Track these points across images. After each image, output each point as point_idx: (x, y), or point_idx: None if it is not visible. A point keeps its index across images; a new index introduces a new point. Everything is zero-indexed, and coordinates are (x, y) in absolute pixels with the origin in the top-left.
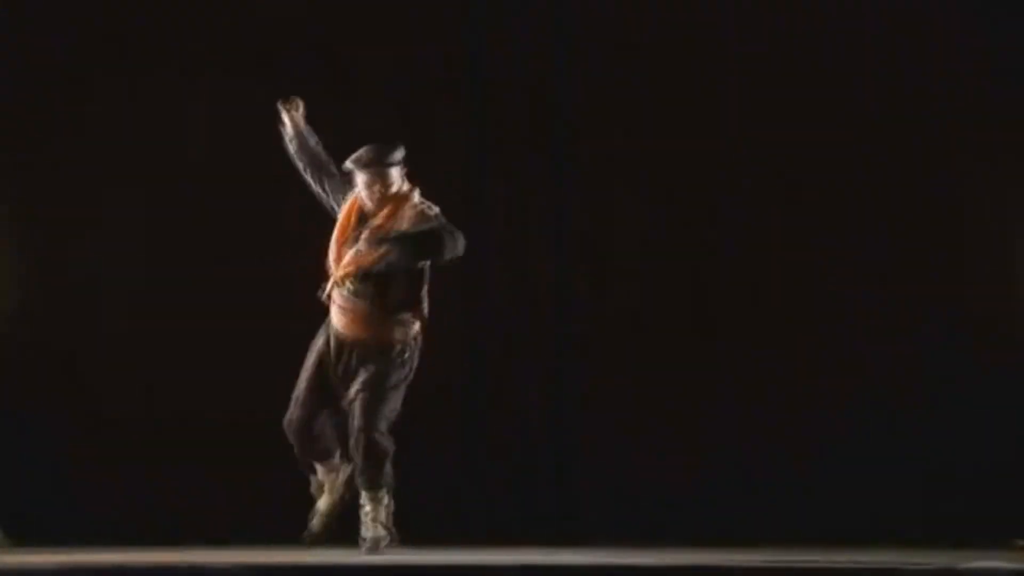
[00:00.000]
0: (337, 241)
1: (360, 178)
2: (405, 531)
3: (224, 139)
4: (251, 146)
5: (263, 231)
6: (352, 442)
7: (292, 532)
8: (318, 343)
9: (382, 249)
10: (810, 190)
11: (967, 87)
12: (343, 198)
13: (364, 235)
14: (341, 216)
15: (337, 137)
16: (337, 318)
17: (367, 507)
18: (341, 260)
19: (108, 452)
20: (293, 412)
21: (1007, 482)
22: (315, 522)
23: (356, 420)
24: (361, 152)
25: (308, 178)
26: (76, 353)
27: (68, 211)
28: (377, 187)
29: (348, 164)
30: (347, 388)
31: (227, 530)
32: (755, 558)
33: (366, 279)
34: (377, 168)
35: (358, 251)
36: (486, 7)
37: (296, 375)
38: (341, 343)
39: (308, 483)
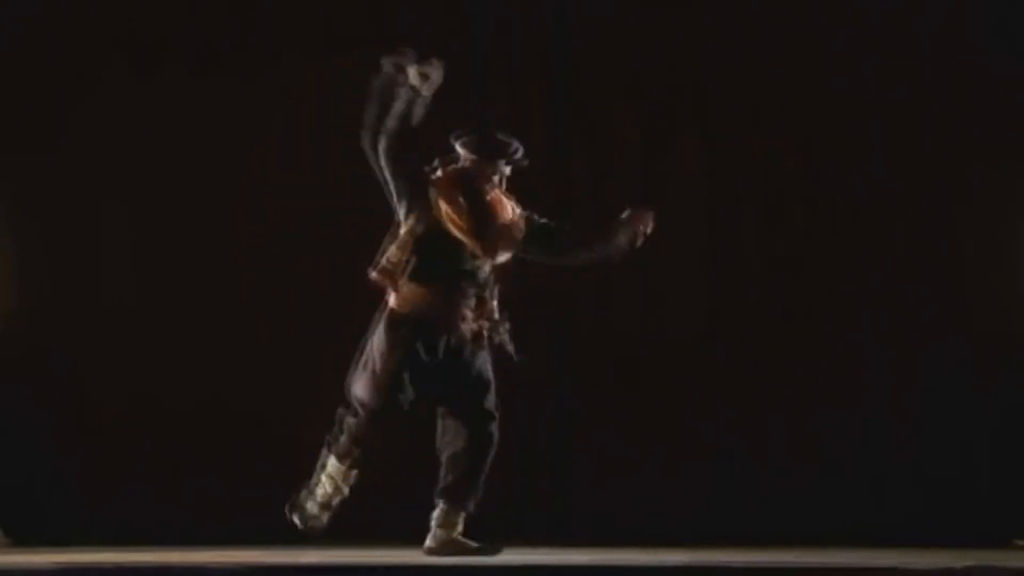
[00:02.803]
0: None
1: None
2: (405, 531)
3: (224, 139)
4: (250, 146)
5: (263, 229)
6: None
7: (293, 532)
8: None
9: None
10: (809, 183)
11: (968, 88)
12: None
13: None
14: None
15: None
16: None
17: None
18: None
19: (108, 452)
20: None
21: (1007, 482)
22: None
23: None
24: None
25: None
26: (76, 353)
27: (68, 210)
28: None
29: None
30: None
31: (227, 530)
32: (755, 558)
33: None
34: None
35: None
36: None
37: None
38: None
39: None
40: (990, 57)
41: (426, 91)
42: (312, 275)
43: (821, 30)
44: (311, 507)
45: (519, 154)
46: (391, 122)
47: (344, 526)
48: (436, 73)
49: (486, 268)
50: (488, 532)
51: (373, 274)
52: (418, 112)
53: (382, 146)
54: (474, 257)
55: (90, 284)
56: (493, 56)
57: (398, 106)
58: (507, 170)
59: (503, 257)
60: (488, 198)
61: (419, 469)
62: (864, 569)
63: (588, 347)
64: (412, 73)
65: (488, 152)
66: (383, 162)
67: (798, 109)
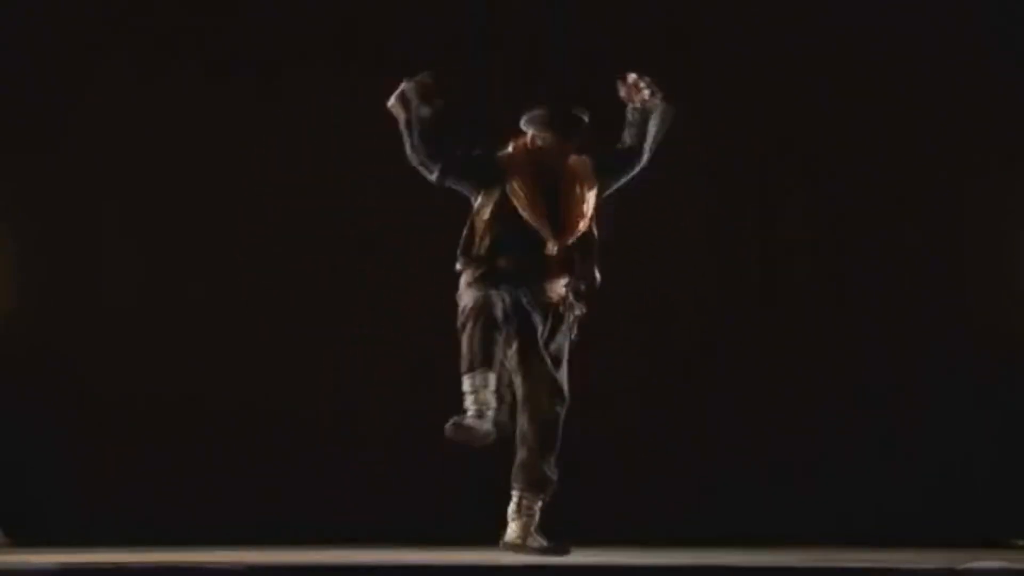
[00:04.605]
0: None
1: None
2: (407, 531)
3: (223, 140)
4: (248, 147)
5: (263, 229)
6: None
7: (292, 532)
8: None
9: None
10: (811, 184)
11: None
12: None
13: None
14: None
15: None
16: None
17: None
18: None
19: (108, 452)
20: None
21: (1007, 482)
22: None
23: None
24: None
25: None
26: (76, 353)
27: (67, 209)
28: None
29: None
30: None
31: (227, 530)
32: (755, 558)
33: None
34: None
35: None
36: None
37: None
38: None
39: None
40: (993, 57)
41: (431, 101)
42: (312, 275)
43: (825, 30)
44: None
45: (580, 121)
46: (419, 139)
47: (345, 526)
48: (428, 83)
49: (557, 247)
50: (488, 532)
51: (458, 266)
52: (436, 120)
53: (436, 171)
54: (544, 239)
55: (91, 284)
56: (493, 51)
57: (420, 122)
58: (572, 138)
59: (572, 238)
60: (557, 176)
61: (421, 471)
62: (864, 569)
63: (588, 344)
64: (411, 88)
65: (547, 124)
66: (447, 181)
67: (799, 107)
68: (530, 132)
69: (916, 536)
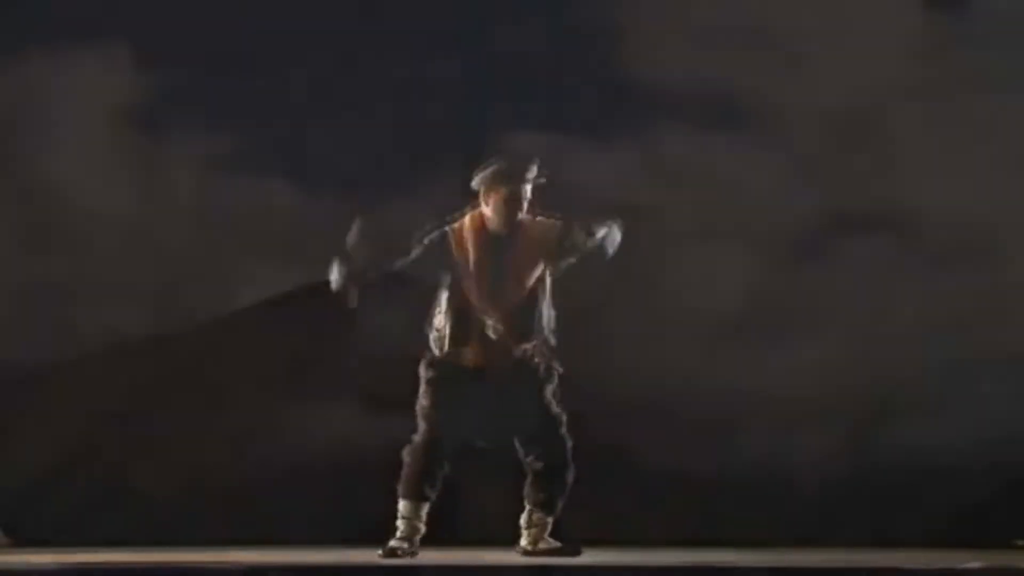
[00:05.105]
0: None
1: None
2: None
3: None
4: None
5: (259, 228)
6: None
7: (292, 532)
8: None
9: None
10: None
11: None
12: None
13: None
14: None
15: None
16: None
17: None
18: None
19: (107, 452)
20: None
21: (1007, 482)
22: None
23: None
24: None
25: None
26: (75, 353)
27: (67, 212)
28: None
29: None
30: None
31: (227, 530)
32: (755, 558)
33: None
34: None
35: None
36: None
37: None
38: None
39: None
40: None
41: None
42: (320, 282)
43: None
44: (393, 543)
45: (534, 173)
46: (383, 268)
47: (349, 526)
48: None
49: (499, 314)
50: (490, 532)
51: (431, 338)
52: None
53: (391, 266)
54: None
55: (90, 283)
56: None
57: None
58: (527, 190)
59: (514, 303)
60: (509, 240)
61: None
62: (864, 569)
63: (586, 348)
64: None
65: (503, 178)
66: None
67: (804, 105)
68: (481, 191)
69: (916, 536)
